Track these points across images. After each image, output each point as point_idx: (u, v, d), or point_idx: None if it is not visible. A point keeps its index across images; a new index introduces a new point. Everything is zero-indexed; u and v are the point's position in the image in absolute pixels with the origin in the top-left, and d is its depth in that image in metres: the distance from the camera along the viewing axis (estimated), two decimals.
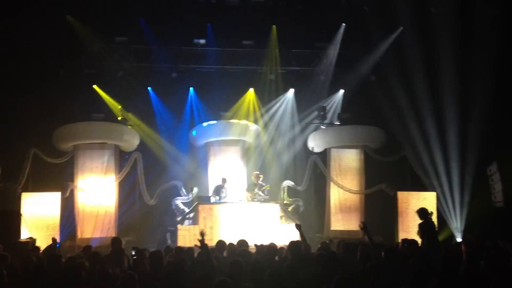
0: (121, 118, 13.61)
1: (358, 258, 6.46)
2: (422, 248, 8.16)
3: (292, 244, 6.94)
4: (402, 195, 13.09)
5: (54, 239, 8.64)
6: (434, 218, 12.05)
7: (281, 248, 7.74)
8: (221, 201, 12.45)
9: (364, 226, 6.92)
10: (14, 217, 10.48)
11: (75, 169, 13.01)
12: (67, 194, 12.52)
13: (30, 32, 12.14)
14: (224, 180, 12.92)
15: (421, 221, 9.20)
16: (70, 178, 12.91)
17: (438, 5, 12.80)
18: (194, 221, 12.10)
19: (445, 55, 12.54)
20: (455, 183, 12.77)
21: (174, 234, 11.88)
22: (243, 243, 7.73)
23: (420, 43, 12.98)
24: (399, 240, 9.52)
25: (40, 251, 8.58)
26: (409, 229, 12.14)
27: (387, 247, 7.58)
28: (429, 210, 9.37)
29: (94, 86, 14.08)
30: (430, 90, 13.00)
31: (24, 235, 11.01)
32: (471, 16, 11.98)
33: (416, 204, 12.31)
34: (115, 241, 8.08)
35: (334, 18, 14.28)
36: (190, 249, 7.71)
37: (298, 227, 7.66)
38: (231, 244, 7.91)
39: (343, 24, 14.41)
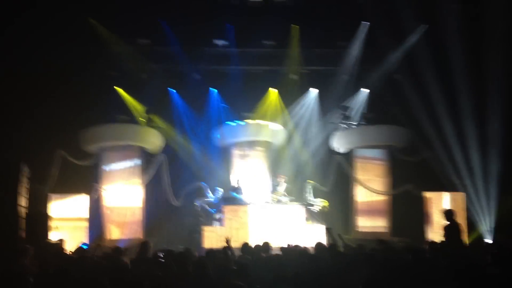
0: (145, 120, 13.71)
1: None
2: (447, 250, 8.01)
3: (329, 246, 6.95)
4: (429, 196, 12.89)
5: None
6: (463, 219, 11.93)
7: (307, 249, 7.71)
8: (243, 200, 12.50)
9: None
10: (42, 219, 10.58)
11: (101, 171, 13.15)
12: (95, 196, 12.65)
13: (54, 36, 12.29)
14: (238, 182, 12.97)
15: (446, 223, 9.06)
16: (97, 179, 13.04)
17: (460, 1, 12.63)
18: (220, 222, 12.12)
19: (472, 51, 12.34)
20: (484, 183, 12.55)
21: (199, 236, 11.91)
22: (267, 246, 7.73)
23: (445, 39, 12.78)
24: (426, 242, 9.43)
25: (69, 253, 8.68)
26: (437, 230, 11.96)
27: (414, 249, 7.50)
28: (455, 211, 9.20)
29: (117, 88, 14.20)
30: (456, 88, 12.80)
31: (53, 237, 11.13)
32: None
33: (444, 205, 12.15)
34: (144, 244, 8.14)
35: (356, 17, 14.14)
36: (216, 251, 7.69)
37: (328, 230, 7.71)
38: (257, 245, 7.90)
39: (366, 22, 14.25)
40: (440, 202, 12.60)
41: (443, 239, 8.86)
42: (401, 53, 14.14)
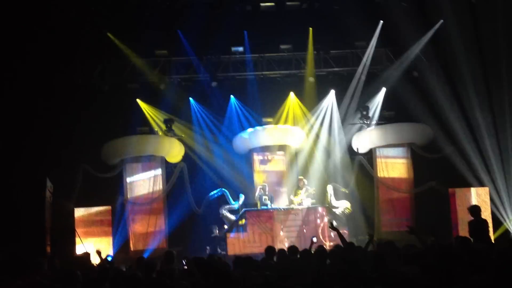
0: (166, 130, 13.84)
1: None
2: (473, 246, 7.88)
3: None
4: (454, 192, 12.70)
5: (98, 252, 8.75)
6: (488, 214, 11.73)
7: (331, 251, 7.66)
8: (268, 207, 12.46)
9: (411, 230, 6.83)
10: (68, 233, 10.76)
11: (124, 183, 13.30)
12: (118, 207, 12.80)
13: (73, 51, 12.52)
14: (263, 188, 12.96)
15: (471, 219, 8.92)
16: (120, 191, 13.19)
17: None
18: (243, 228, 12.13)
19: (490, 44, 12.16)
20: (509, 177, 12.33)
21: (223, 243, 11.95)
22: (293, 249, 7.69)
23: (462, 34, 12.62)
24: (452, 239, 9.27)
25: (95, 265, 8.77)
26: (463, 227, 11.77)
27: (441, 246, 7.40)
28: (480, 207, 9.04)
29: (138, 101, 14.39)
30: (476, 82, 12.63)
31: (79, 250, 11.29)
32: None
33: (468, 200, 11.96)
34: (168, 255, 8.19)
35: (371, 16, 14.04)
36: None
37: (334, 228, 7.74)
38: (280, 250, 7.88)
39: (381, 21, 14.15)
40: (464, 197, 12.41)
41: (468, 235, 8.73)
42: (417, 49, 13.98)
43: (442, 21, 13.42)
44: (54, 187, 11.37)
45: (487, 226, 8.97)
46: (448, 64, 12.88)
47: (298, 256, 7.29)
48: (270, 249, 7.81)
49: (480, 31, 12.35)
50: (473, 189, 12.54)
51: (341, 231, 9.10)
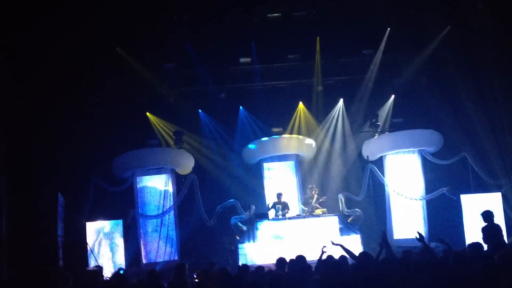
0: (175, 142, 13.92)
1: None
2: (487, 252, 7.81)
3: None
4: (466, 198, 12.60)
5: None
6: (501, 219, 11.61)
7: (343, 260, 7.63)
8: (281, 216, 12.44)
9: (420, 237, 6.99)
10: (80, 247, 10.81)
11: (135, 195, 13.36)
12: (129, 220, 12.85)
13: (84, 67, 12.65)
14: (279, 196, 12.92)
15: (484, 225, 8.84)
16: (131, 204, 13.25)
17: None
18: (254, 239, 12.11)
19: (497, 49, 12.11)
20: None
21: (235, 253, 11.93)
22: (301, 259, 7.68)
23: (470, 40, 12.59)
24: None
25: (107, 279, 8.81)
26: (475, 233, 11.65)
27: (455, 252, 7.34)
28: (493, 212, 8.96)
29: (148, 114, 14.50)
30: (484, 87, 12.57)
31: (91, 263, 11.33)
32: None
33: (481, 207, 11.84)
34: (180, 267, 8.20)
35: (379, 24, 14.04)
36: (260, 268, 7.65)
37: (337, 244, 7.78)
38: (292, 259, 7.86)
39: (388, 28, 14.14)
40: (477, 203, 12.29)
41: (482, 241, 8.65)
42: (425, 56, 13.95)
43: (449, 27, 13.38)
44: (66, 201, 11.44)
45: (501, 231, 8.88)
46: (456, 69, 12.80)
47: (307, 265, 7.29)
48: (281, 260, 7.81)
49: (487, 35, 12.28)
50: (485, 195, 12.42)
51: (353, 238, 9.10)
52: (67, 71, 12.52)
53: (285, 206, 12.93)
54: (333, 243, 8.14)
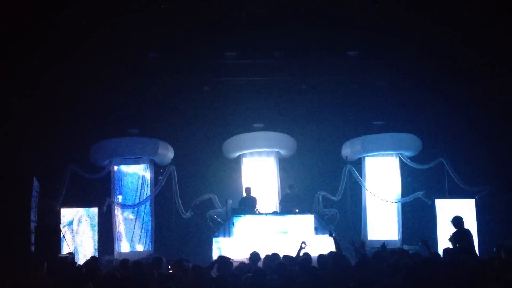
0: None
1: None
2: (458, 257, 7.96)
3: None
4: (440, 203, 12.81)
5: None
6: (473, 225, 11.83)
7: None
8: (256, 212, 12.46)
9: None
10: (53, 233, 10.69)
11: (112, 184, 13.25)
12: (105, 209, 12.75)
13: (65, 51, 12.47)
14: (247, 190, 12.95)
15: (455, 230, 9.02)
16: (107, 193, 13.14)
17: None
18: (229, 233, 12.10)
19: (477, 52, 12.31)
20: (495, 189, 12.45)
21: (209, 247, 11.91)
22: (275, 256, 7.74)
23: (447, 42, 12.73)
24: (439, 250, 9.35)
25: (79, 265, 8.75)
26: (447, 237, 11.83)
27: (425, 256, 7.47)
28: (463, 218, 9.16)
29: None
30: (464, 92, 12.76)
31: (64, 250, 11.23)
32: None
33: (454, 212, 12.03)
34: (155, 258, 8.22)
35: (364, 25, 14.06)
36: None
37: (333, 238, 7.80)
38: (267, 255, 7.92)
39: (374, 30, 14.15)
40: (451, 209, 12.49)
41: (452, 246, 8.82)
42: (405, 59, 14.02)
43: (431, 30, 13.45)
44: (41, 187, 11.30)
45: (471, 236, 9.08)
46: (436, 73, 12.97)
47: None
48: (254, 255, 7.86)
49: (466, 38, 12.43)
50: (459, 201, 12.64)
51: (327, 238, 9.19)
52: (46, 54, 12.33)
53: (253, 202, 12.93)
54: (330, 235, 8.31)
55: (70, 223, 12.36)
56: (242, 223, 11.89)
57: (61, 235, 11.19)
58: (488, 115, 12.71)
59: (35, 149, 11.77)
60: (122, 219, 13.16)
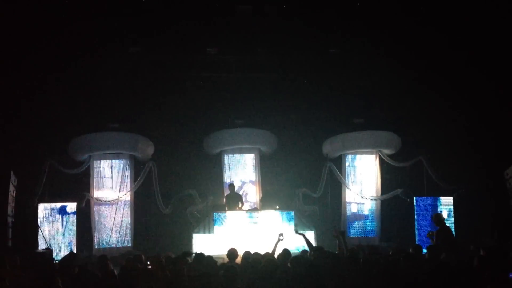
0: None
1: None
2: (439, 254, 8.07)
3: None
4: (419, 201, 12.96)
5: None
6: (451, 223, 12.01)
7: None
8: (237, 209, 12.47)
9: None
10: (31, 228, 10.58)
11: (91, 179, 13.13)
12: (83, 204, 12.63)
13: (46, 45, 12.31)
14: (230, 186, 12.96)
15: (436, 227, 9.14)
16: (86, 188, 13.02)
17: None
18: (209, 229, 12.09)
19: (455, 51, 12.48)
20: (473, 187, 12.64)
21: (189, 243, 11.88)
22: (255, 253, 7.75)
23: (426, 42, 12.88)
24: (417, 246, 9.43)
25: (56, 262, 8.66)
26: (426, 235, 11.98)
27: (405, 253, 7.54)
28: (443, 215, 9.31)
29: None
30: (444, 91, 12.91)
31: (41, 246, 11.11)
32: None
33: (433, 209, 12.23)
34: (135, 255, 8.17)
35: (346, 23, 14.10)
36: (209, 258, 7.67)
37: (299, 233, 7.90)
38: (246, 252, 7.91)
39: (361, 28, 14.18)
40: (430, 206, 12.67)
41: (433, 243, 8.93)
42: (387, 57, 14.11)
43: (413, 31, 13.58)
44: (19, 181, 11.16)
45: (452, 233, 9.24)
46: (416, 72, 13.13)
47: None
48: (232, 251, 7.86)
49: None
50: (438, 198, 12.80)
51: (307, 234, 9.23)
52: (26, 49, 12.16)
53: (238, 198, 12.96)
54: (296, 232, 8.41)
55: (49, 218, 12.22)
56: (222, 219, 11.89)
57: (39, 230, 11.07)
58: (467, 115, 12.85)
59: (12, 143, 11.61)
60: (101, 215, 13.04)
